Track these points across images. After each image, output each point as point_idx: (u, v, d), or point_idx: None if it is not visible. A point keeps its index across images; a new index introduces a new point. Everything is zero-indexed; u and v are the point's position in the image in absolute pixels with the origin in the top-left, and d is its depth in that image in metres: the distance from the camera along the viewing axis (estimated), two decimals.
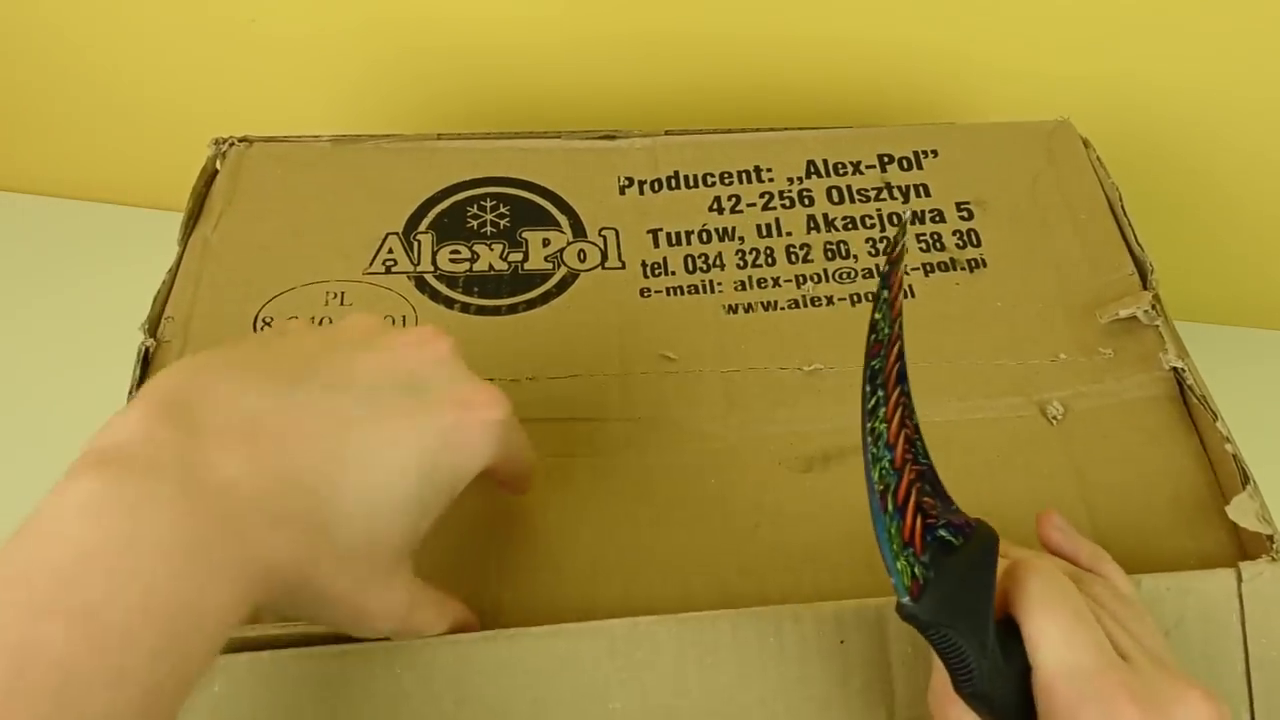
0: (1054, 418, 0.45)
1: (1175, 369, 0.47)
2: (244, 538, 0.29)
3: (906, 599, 0.31)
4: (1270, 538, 0.40)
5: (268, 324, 0.49)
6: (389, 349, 0.35)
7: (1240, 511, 0.41)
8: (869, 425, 0.32)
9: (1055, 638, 0.32)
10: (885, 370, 0.33)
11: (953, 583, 0.32)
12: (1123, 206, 0.53)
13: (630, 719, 0.37)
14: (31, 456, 0.56)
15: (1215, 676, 0.39)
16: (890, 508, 0.31)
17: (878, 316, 0.33)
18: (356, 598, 0.33)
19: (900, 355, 0.33)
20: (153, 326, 0.48)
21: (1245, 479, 0.42)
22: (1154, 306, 0.48)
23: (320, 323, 0.49)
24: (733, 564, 0.41)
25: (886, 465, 0.32)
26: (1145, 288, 0.50)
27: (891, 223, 0.53)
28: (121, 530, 0.28)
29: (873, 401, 0.32)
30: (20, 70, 0.77)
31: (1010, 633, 0.33)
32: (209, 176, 0.55)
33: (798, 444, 0.45)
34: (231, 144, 0.56)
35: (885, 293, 0.33)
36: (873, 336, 0.33)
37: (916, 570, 0.31)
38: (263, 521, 0.30)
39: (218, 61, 0.74)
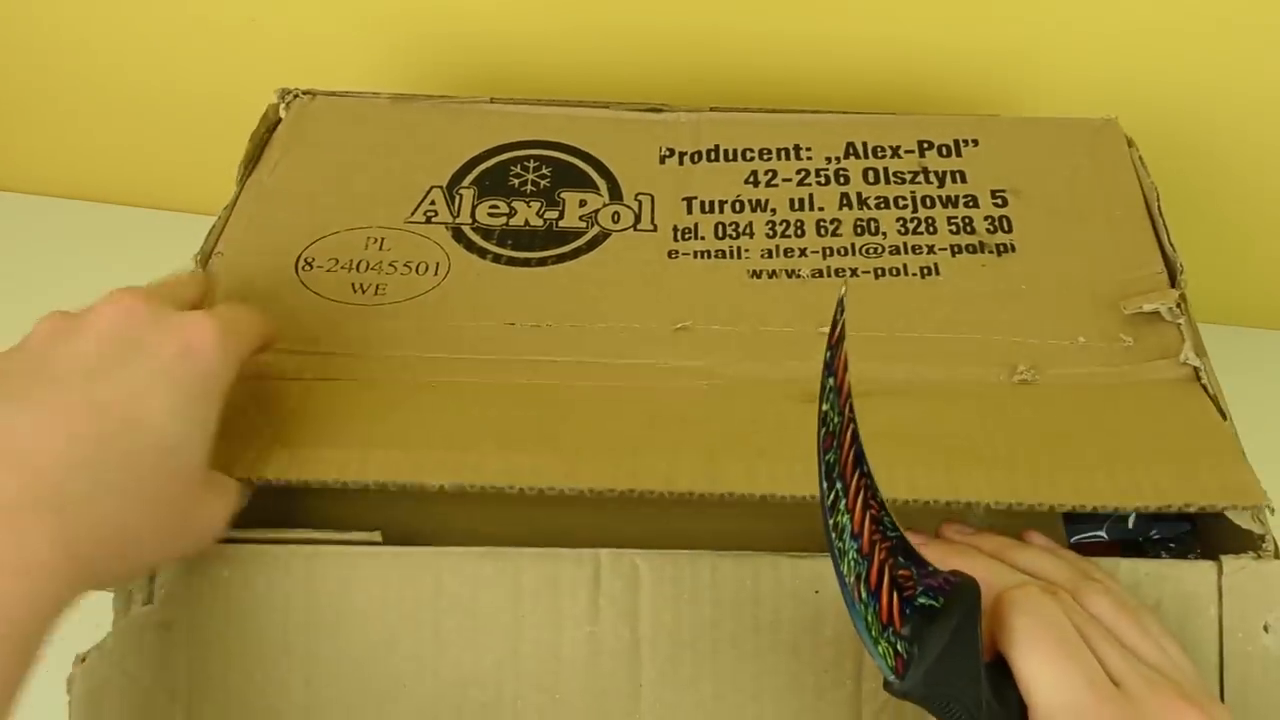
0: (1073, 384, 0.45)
1: (1194, 367, 0.46)
2: (21, 530, 0.32)
3: (893, 678, 0.31)
4: (1261, 538, 0.40)
5: (309, 264, 0.50)
6: (93, 326, 0.38)
7: (1239, 510, 0.41)
8: (831, 520, 0.31)
9: (1046, 677, 0.32)
10: (841, 461, 0.32)
11: (938, 649, 0.31)
12: (1159, 207, 0.52)
13: (606, 642, 0.38)
14: None
15: None
16: (864, 595, 0.31)
17: (825, 408, 0.31)
18: (184, 524, 0.37)
19: (855, 438, 0.32)
20: (204, 259, 0.50)
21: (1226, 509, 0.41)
22: (1179, 305, 0.48)
23: (358, 267, 0.50)
24: (727, 450, 0.41)
25: (854, 556, 0.31)
26: (1173, 287, 0.49)
27: (925, 205, 0.53)
28: None
29: (831, 497, 0.31)
30: (20, 70, 0.77)
31: (1004, 673, 0.33)
32: (271, 124, 0.57)
33: (802, 387, 0.44)
34: (296, 95, 0.58)
35: (831, 380, 0.32)
36: (823, 430, 0.31)
37: (900, 647, 0.31)
38: (45, 510, 0.33)
39: (217, 61, 0.74)
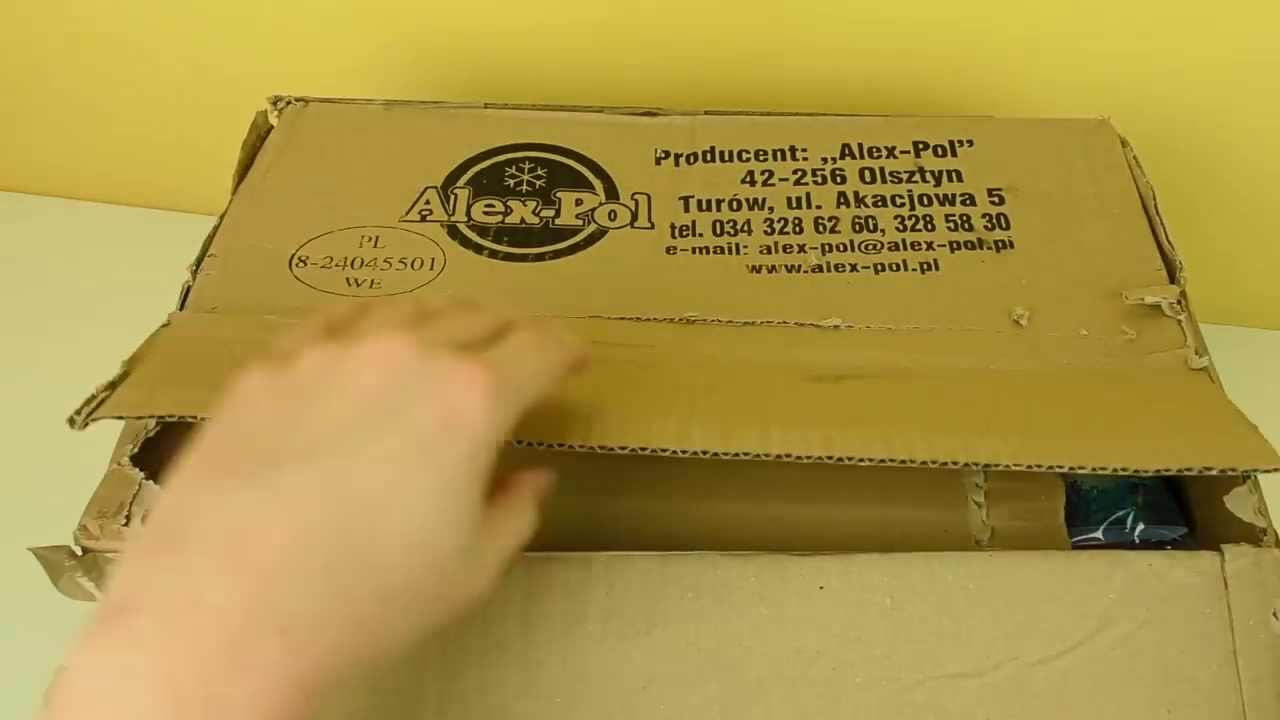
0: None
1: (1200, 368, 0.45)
2: (248, 665, 0.27)
3: None
4: (1263, 530, 0.39)
5: (303, 261, 0.49)
6: (348, 380, 0.31)
7: (1238, 503, 0.40)
8: None
9: None
10: None
11: None
12: (1156, 205, 0.51)
13: (607, 643, 0.37)
14: (32, 454, 0.56)
15: (1202, 655, 0.37)
16: None
17: None
18: (443, 608, 0.31)
19: None
20: (196, 265, 0.49)
21: (1245, 474, 0.40)
22: (1179, 301, 0.47)
23: (353, 264, 0.49)
24: (739, 417, 0.39)
25: None
26: (1173, 283, 0.48)
27: (922, 204, 0.52)
28: (119, 701, 0.26)
29: None
30: (19, 70, 0.76)
31: None
32: (263, 132, 0.56)
33: (809, 370, 0.43)
34: (289, 102, 0.57)
35: None
36: None
37: None
38: (271, 636, 0.27)
39: (216, 62, 0.73)
